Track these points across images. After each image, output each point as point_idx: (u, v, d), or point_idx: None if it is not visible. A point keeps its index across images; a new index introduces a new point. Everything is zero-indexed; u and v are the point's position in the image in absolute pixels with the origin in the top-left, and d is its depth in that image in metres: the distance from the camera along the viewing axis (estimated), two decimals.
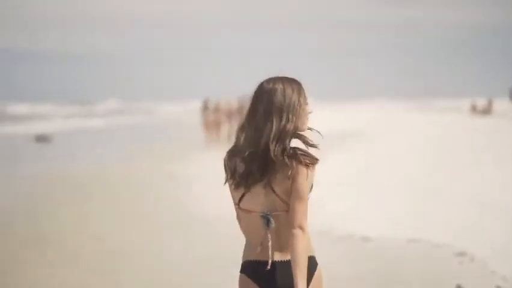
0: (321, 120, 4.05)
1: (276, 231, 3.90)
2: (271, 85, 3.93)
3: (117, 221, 13.09)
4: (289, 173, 3.83)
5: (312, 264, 3.92)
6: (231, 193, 3.99)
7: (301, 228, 3.84)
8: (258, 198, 3.90)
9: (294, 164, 3.84)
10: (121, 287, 8.65)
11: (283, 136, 3.86)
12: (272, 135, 3.84)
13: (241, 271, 4.02)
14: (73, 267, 9.58)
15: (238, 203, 3.96)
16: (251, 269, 3.96)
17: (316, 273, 3.95)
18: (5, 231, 12.15)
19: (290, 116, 3.88)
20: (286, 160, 3.83)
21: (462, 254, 9.48)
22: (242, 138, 3.95)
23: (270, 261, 3.91)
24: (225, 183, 3.99)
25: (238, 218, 4.03)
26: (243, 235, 4.04)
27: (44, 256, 10.22)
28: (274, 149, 3.84)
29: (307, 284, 3.88)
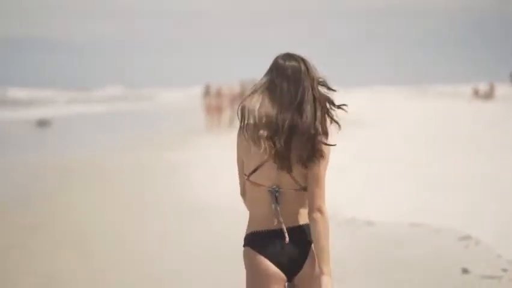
0: None
1: (283, 207, 3.95)
2: (293, 63, 3.94)
3: (115, 209, 12.99)
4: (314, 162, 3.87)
5: (309, 233, 3.97)
6: (245, 165, 3.99)
7: (320, 211, 3.91)
8: (270, 173, 3.94)
9: (322, 154, 3.89)
10: (122, 279, 8.56)
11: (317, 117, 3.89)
12: (311, 118, 3.87)
13: (245, 244, 4.03)
14: (72, 252, 9.48)
15: (249, 175, 3.97)
16: (254, 240, 3.97)
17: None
18: (5, 217, 12.05)
19: (317, 93, 3.93)
20: (319, 150, 3.86)
21: (467, 237, 9.38)
22: (270, 114, 3.89)
23: (286, 236, 3.94)
24: (258, 150, 3.91)
25: (244, 191, 4.04)
26: (244, 221, 4.00)
27: (43, 241, 10.13)
28: (317, 132, 3.86)
29: (305, 257, 3.94)
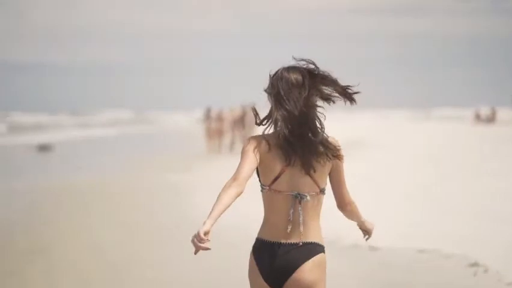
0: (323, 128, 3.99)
1: (304, 213, 4.22)
2: (296, 74, 4.26)
3: (118, 232, 12.82)
4: (330, 159, 4.25)
5: (314, 249, 4.21)
6: (262, 173, 4.23)
7: (351, 203, 4.47)
8: (290, 179, 4.21)
9: (338, 151, 4.28)
10: None
11: (320, 123, 4.27)
12: (316, 124, 4.24)
13: (252, 250, 4.31)
14: (73, 279, 9.31)
15: (270, 184, 4.22)
16: (260, 250, 4.24)
17: (316, 258, 4.21)
18: (4, 242, 11.87)
19: (312, 100, 4.26)
20: (331, 147, 4.26)
21: (475, 264, 9.18)
22: (285, 124, 4.21)
23: (301, 243, 4.20)
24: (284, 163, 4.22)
25: (237, 177, 4.17)
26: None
27: (43, 267, 9.96)
28: (320, 135, 4.23)
29: (306, 261, 4.17)
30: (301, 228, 4.20)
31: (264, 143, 4.22)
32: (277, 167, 4.20)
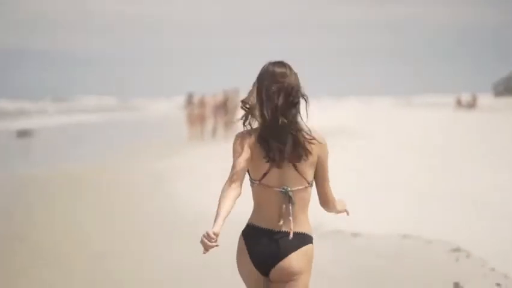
0: (309, 118, 4.01)
1: (295, 206, 4.32)
2: (282, 69, 4.35)
3: (100, 220, 12.70)
4: (314, 153, 4.33)
5: (303, 239, 4.33)
6: (253, 168, 4.31)
7: (333, 202, 4.54)
8: (279, 174, 4.30)
9: (322, 145, 4.36)
10: None
11: (301, 118, 4.34)
12: (297, 118, 4.32)
13: (243, 233, 4.41)
14: (54, 267, 9.20)
15: (260, 179, 4.31)
16: (251, 233, 4.36)
17: (304, 248, 4.32)
18: None
19: (300, 99, 4.36)
20: (314, 141, 4.33)
21: (457, 250, 9.14)
22: (268, 118, 4.29)
23: (291, 234, 4.30)
24: (266, 159, 4.29)
25: (232, 180, 4.30)
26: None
27: (24, 256, 9.85)
28: (300, 130, 4.32)
29: (294, 250, 4.29)
30: (292, 220, 4.30)
31: (252, 139, 4.31)
32: (265, 164, 4.30)
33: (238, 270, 4.41)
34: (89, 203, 14.37)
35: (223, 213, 4.26)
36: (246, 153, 4.30)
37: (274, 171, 4.30)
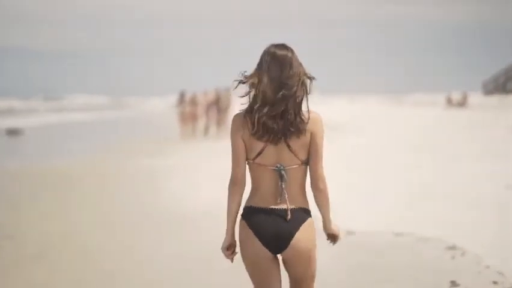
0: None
1: (287, 185, 4.44)
2: (285, 52, 4.46)
3: (89, 217, 12.58)
4: (308, 133, 4.43)
5: (303, 215, 4.47)
6: (248, 149, 4.44)
7: (324, 182, 4.51)
8: (273, 153, 4.43)
9: (316, 123, 4.47)
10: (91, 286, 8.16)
11: (301, 99, 4.44)
12: (297, 99, 4.42)
13: (243, 217, 4.52)
14: (41, 265, 9.07)
15: (254, 158, 4.44)
16: (251, 215, 4.46)
17: (307, 221, 4.48)
18: None
19: (302, 75, 4.45)
20: (308, 121, 4.44)
21: (452, 247, 9.03)
22: (266, 97, 4.40)
23: (288, 212, 4.44)
24: (254, 133, 4.42)
25: (236, 180, 4.48)
26: (223, 227, 4.27)
27: (10, 253, 9.72)
28: (298, 110, 4.42)
29: (297, 229, 4.45)
30: (287, 197, 4.44)
31: (247, 121, 4.43)
32: (260, 143, 4.43)
33: (244, 254, 4.48)
34: (77, 200, 14.24)
35: (230, 224, 4.54)
36: (241, 141, 4.45)
37: (268, 150, 4.42)
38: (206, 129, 33.87)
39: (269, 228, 4.42)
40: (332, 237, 4.74)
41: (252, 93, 4.43)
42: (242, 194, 4.50)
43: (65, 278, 8.46)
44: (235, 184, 4.49)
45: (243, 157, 4.47)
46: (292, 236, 4.42)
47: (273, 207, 4.43)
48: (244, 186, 4.51)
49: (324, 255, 8.95)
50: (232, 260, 4.57)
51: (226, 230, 4.53)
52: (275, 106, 4.38)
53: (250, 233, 4.45)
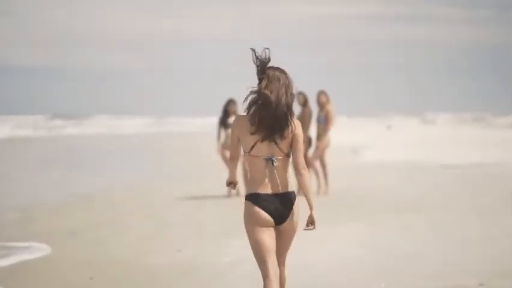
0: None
1: (277, 171, 5.88)
2: (278, 72, 5.94)
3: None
4: (290, 131, 5.89)
5: (292, 196, 5.93)
6: (243, 144, 5.93)
7: (305, 169, 5.94)
8: (263, 147, 5.89)
9: (296, 124, 5.93)
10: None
11: (291, 106, 5.90)
12: (289, 105, 5.87)
13: (246, 199, 5.94)
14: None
15: (249, 151, 5.90)
16: (253, 197, 5.88)
17: (295, 203, 5.94)
18: None
19: (291, 92, 5.93)
20: (292, 122, 5.90)
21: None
22: (261, 107, 5.86)
23: (280, 192, 5.90)
24: (254, 132, 5.90)
25: (234, 156, 6.06)
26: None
27: None
28: (289, 114, 5.88)
29: (291, 207, 5.92)
30: (278, 182, 5.88)
31: (245, 121, 5.90)
32: (253, 139, 5.90)
33: (249, 223, 5.84)
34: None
35: (232, 169, 6.09)
36: (237, 136, 5.95)
37: (260, 145, 5.88)
38: None
39: (271, 204, 5.84)
40: (311, 222, 5.89)
41: (253, 100, 5.87)
42: (237, 164, 6.10)
43: None
44: (233, 158, 6.08)
45: (237, 144, 5.97)
46: (289, 210, 5.87)
47: (271, 192, 5.87)
48: (238, 160, 6.07)
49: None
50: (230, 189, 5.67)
51: (229, 172, 6.10)
52: (275, 114, 5.82)
53: (257, 207, 5.85)
